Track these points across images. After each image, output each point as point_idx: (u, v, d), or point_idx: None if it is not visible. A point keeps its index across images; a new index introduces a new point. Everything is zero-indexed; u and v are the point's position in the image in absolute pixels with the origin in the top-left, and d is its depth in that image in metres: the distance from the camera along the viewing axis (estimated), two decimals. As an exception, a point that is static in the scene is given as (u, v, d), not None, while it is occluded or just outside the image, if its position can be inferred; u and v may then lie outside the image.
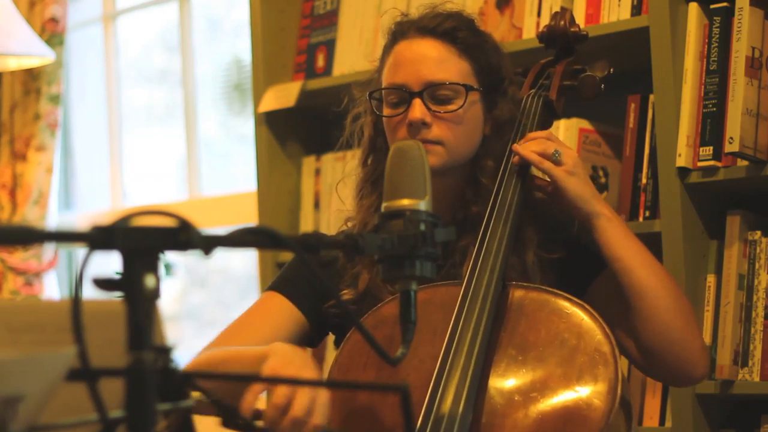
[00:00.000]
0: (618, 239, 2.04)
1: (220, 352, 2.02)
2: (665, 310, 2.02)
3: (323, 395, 1.80)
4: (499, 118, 2.13)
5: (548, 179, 2.08)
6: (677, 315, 2.03)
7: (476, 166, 2.12)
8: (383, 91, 2.12)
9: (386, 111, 2.12)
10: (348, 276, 2.13)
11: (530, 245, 2.08)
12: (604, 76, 2.21)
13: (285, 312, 2.12)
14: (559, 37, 2.26)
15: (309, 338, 2.18)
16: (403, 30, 2.13)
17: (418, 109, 2.07)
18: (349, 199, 2.24)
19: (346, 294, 2.11)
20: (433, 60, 2.09)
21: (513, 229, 2.04)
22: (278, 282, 2.17)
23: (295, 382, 1.77)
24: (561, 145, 2.08)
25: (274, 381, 1.82)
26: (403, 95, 2.09)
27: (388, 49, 2.15)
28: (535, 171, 2.13)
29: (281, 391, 1.77)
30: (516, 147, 2.08)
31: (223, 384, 1.84)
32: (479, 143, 2.12)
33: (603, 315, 2.01)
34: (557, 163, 2.04)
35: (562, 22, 2.25)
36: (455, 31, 2.11)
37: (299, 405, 1.76)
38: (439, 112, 2.07)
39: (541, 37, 2.28)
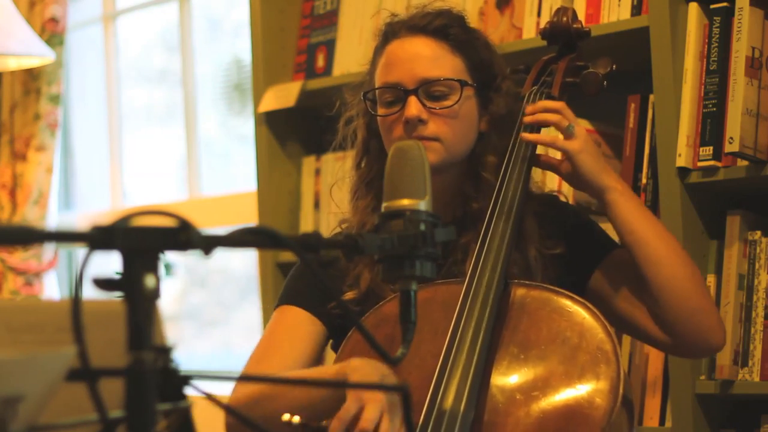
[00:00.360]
0: (631, 212, 2.05)
1: (289, 375, 2.01)
2: (682, 279, 2.03)
3: (396, 409, 1.80)
4: (495, 113, 2.13)
5: (556, 156, 2.08)
6: (694, 284, 2.04)
7: (477, 162, 2.12)
8: (377, 91, 2.12)
9: (381, 110, 2.12)
10: (350, 276, 2.13)
11: (532, 241, 2.08)
12: (607, 73, 2.21)
13: (305, 323, 2.12)
14: (562, 34, 2.25)
15: (327, 341, 2.18)
16: (394, 30, 2.14)
17: (414, 107, 2.07)
18: (343, 202, 2.24)
19: (349, 294, 2.11)
20: (427, 57, 2.09)
21: (515, 225, 2.04)
22: (289, 295, 2.16)
23: (297, 382, 1.77)
24: (574, 119, 2.09)
25: (275, 381, 1.82)
26: (398, 93, 2.09)
27: (379, 50, 2.16)
28: (541, 149, 2.13)
29: (368, 415, 1.78)
30: (526, 135, 2.08)
31: (314, 412, 1.85)
32: (475, 139, 2.13)
33: (615, 300, 2.02)
34: (570, 137, 2.05)
35: (565, 19, 2.25)
36: (446, 28, 2.11)
37: (367, 418, 1.77)
38: (435, 109, 2.08)
39: (544, 33, 2.28)
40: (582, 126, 2.10)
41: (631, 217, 2.05)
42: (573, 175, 2.07)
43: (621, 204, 2.05)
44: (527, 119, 2.10)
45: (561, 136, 2.09)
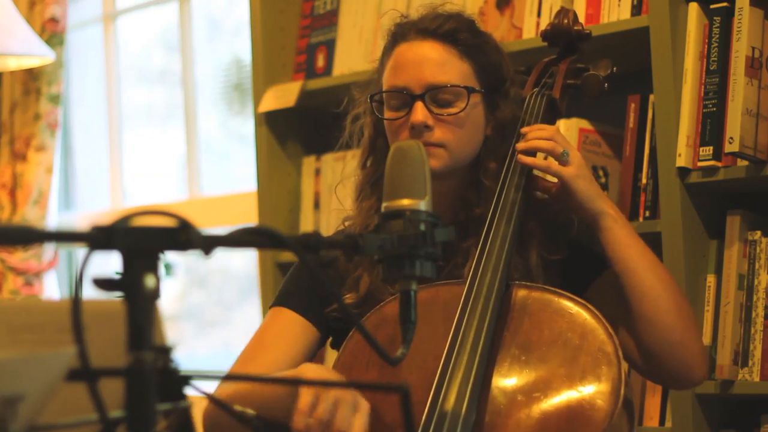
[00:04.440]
0: (622, 240, 2.03)
1: (247, 387, 2.02)
2: (665, 313, 2.02)
3: (355, 407, 1.81)
4: (501, 119, 2.12)
5: (552, 180, 2.07)
6: (677, 317, 2.03)
7: (478, 167, 2.11)
8: (384, 94, 2.12)
9: (387, 114, 2.11)
10: (349, 280, 2.13)
11: (533, 246, 2.08)
12: (608, 75, 2.21)
13: (296, 327, 2.12)
14: (563, 36, 2.25)
15: (319, 345, 2.19)
16: (403, 32, 2.13)
17: (420, 112, 2.06)
18: (348, 200, 2.23)
19: (348, 298, 2.11)
20: (435, 62, 2.08)
21: (516, 229, 2.04)
22: (283, 297, 2.16)
23: (296, 382, 1.77)
24: (567, 144, 2.08)
25: (276, 381, 1.82)
26: (405, 98, 2.08)
27: (388, 51, 2.15)
28: (537, 171, 2.13)
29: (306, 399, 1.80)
30: (522, 158, 2.07)
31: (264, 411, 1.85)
32: (481, 144, 2.12)
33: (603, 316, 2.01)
34: (565, 163, 2.04)
35: (566, 21, 2.24)
36: (456, 32, 2.10)
37: (341, 421, 1.79)
38: (441, 115, 2.07)
39: (545, 35, 2.28)
40: (576, 151, 2.08)
41: (622, 244, 2.03)
42: (567, 200, 2.06)
43: (614, 231, 2.04)
44: (520, 145, 2.08)
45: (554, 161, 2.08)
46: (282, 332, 2.12)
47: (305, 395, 1.81)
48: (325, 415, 1.79)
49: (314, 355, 2.21)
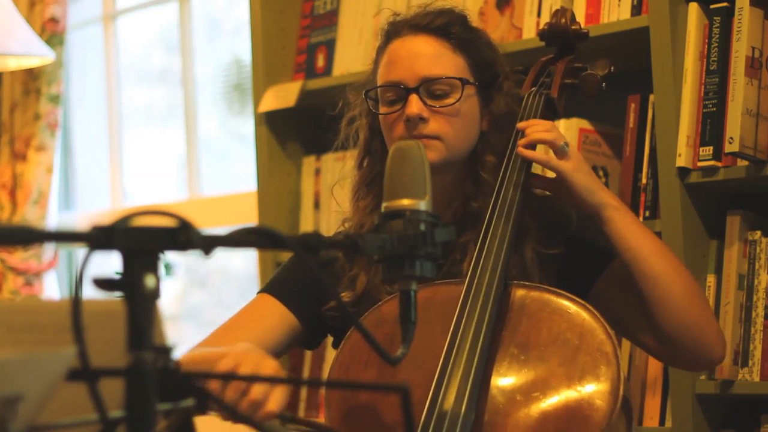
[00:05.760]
0: (627, 228, 2.04)
1: (192, 353, 2.02)
2: (679, 295, 2.02)
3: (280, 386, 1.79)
4: (496, 112, 2.13)
5: (551, 175, 2.08)
6: (692, 299, 2.04)
7: (476, 161, 2.12)
8: (379, 90, 2.13)
9: (383, 109, 2.12)
10: (346, 278, 2.13)
11: (530, 241, 2.08)
12: (605, 75, 2.21)
13: (276, 314, 2.13)
14: (560, 35, 2.25)
15: (303, 340, 2.19)
16: (396, 29, 2.14)
17: (414, 105, 2.07)
18: (345, 201, 2.24)
19: (344, 296, 2.11)
20: (428, 56, 2.09)
21: (514, 227, 2.04)
22: (270, 284, 2.17)
23: (297, 382, 1.77)
24: (565, 137, 2.08)
25: (276, 381, 1.82)
26: (400, 92, 2.09)
27: (382, 49, 2.16)
28: (535, 168, 2.13)
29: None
30: (522, 151, 2.06)
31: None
32: (477, 138, 2.13)
33: (615, 309, 2.02)
34: (565, 155, 2.04)
35: (563, 20, 2.25)
36: (448, 26, 2.12)
37: (257, 389, 1.76)
38: (436, 107, 2.08)
39: (542, 34, 2.28)
40: (572, 145, 2.09)
41: (628, 233, 2.04)
42: (568, 193, 2.06)
43: (617, 220, 2.04)
44: (523, 141, 2.08)
45: (553, 155, 2.07)
46: (259, 317, 2.13)
47: (226, 361, 1.77)
48: (242, 383, 1.77)
49: (291, 347, 2.21)
